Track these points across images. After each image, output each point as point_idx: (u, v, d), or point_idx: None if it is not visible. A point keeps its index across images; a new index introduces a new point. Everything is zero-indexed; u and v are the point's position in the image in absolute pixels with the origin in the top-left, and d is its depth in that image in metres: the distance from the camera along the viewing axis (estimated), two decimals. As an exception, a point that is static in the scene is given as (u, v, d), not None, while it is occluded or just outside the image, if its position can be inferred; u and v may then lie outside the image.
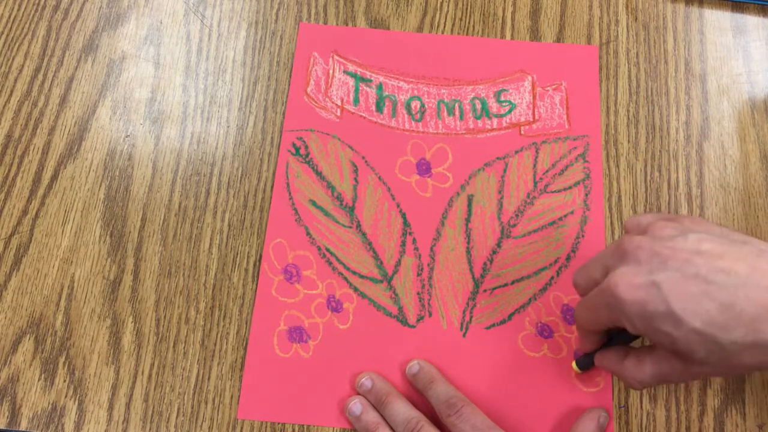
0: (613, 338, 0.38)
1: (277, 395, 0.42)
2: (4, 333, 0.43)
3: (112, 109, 0.49)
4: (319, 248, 0.45)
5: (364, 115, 0.49)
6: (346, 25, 0.52)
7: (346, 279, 0.45)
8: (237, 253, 0.45)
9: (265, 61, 0.51)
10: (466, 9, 0.52)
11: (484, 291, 0.44)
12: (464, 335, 0.43)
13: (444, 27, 0.52)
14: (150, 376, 0.42)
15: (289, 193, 0.47)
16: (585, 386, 0.42)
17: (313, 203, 0.46)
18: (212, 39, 0.51)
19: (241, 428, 0.41)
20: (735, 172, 0.47)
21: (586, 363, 0.40)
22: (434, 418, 0.39)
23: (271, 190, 0.47)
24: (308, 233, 0.46)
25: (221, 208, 0.46)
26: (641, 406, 0.42)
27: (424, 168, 0.47)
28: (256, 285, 0.44)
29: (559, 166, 0.47)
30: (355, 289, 0.44)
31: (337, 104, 0.49)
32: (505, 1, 0.53)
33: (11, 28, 0.52)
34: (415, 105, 0.49)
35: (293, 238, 0.46)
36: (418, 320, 0.44)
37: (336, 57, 0.51)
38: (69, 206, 0.46)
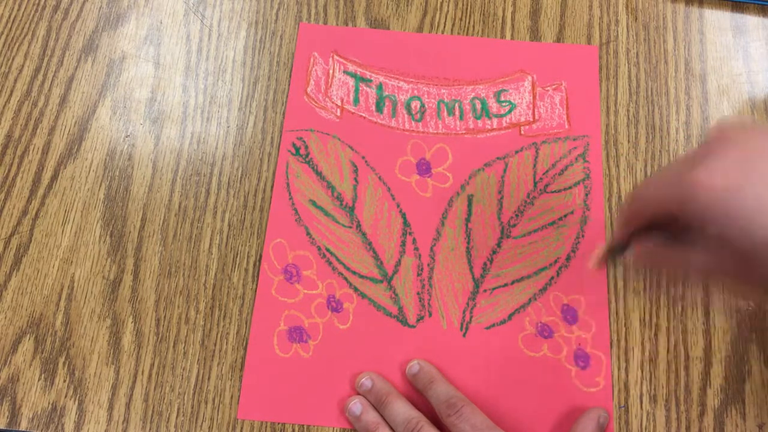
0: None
1: (277, 395, 0.42)
2: (4, 333, 0.43)
3: (112, 109, 0.49)
4: (319, 248, 0.45)
5: (364, 115, 0.49)
6: (346, 25, 0.52)
7: (346, 279, 0.45)
8: (237, 253, 0.45)
9: (265, 61, 0.51)
10: (466, 9, 0.52)
11: (484, 291, 0.44)
12: (464, 335, 0.43)
13: (444, 27, 0.52)
14: (150, 376, 0.42)
15: (289, 193, 0.47)
16: (585, 386, 0.42)
17: (313, 203, 0.46)
18: (212, 39, 0.51)
19: (241, 428, 0.41)
20: (735, 172, 0.47)
21: (620, 248, 0.38)
22: (434, 418, 0.39)
23: (271, 190, 0.47)
24: (308, 233, 0.46)
25: (221, 208, 0.46)
26: (641, 406, 0.42)
27: (424, 168, 0.47)
28: (256, 285, 0.44)
29: (559, 166, 0.47)
30: (355, 289, 0.44)
31: (337, 104, 0.49)
32: (505, 1, 0.53)
33: (11, 28, 0.52)
34: (415, 105, 0.49)
35: (293, 238, 0.46)
36: (418, 320, 0.44)
37: (336, 57, 0.51)
38: (69, 206, 0.46)
